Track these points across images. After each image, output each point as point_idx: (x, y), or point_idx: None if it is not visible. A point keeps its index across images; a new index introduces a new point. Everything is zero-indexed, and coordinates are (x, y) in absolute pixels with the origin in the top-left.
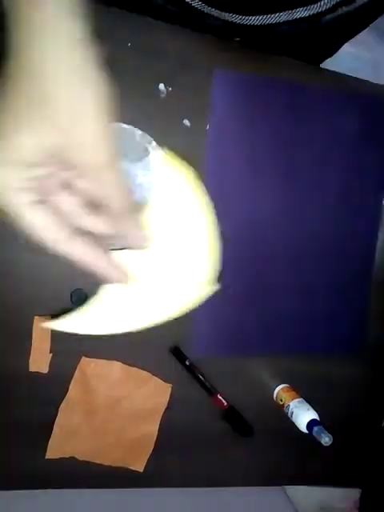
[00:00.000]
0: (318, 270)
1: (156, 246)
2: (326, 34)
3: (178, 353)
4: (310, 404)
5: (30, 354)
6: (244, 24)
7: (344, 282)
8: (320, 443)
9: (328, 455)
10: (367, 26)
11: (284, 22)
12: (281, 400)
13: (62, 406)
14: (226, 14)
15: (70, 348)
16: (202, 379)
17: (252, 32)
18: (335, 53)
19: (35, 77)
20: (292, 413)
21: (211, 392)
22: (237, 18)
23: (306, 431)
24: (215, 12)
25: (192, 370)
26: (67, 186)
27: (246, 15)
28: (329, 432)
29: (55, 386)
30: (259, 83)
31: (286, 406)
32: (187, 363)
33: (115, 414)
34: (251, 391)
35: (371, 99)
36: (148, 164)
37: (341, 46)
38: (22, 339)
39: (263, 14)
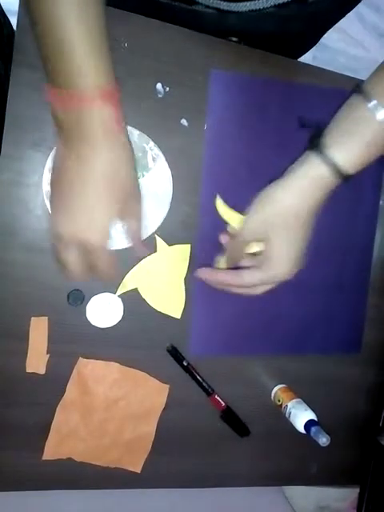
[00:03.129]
0: (316, 270)
1: None
2: (312, 19)
3: (175, 353)
4: (308, 404)
5: (27, 355)
6: (233, 11)
7: (342, 281)
8: (318, 443)
9: (326, 455)
10: (350, 9)
11: (272, 6)
12: (278, 400)
13: (59, 406)
14: (213, 1)
15: (68, 349)
16: (200, 379)
17: (242, 23)
18: (318, 41)
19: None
20: (290, 413)
21: (209, 392)
22: (224, 5)
23: (304, 431)
24: None
25: (189, 370)
26: None
27: (234, 1)
28: (326, 432)
29: (52, 386)
30: (257, 83)
31: (283, 406)
32: (185, 363)
33: (113, 414)
34: (249, 391)
35: None
36: (146, 164)
37: (325, 33)
38: (19, 340)
39: (250, 0)
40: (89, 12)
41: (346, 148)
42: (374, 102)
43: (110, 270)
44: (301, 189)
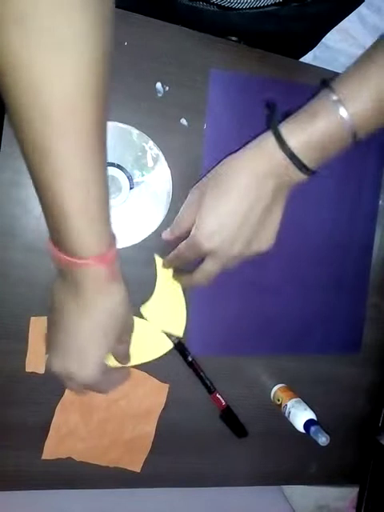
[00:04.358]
0: (316, 270)
1: None
2: (313, 19)
3: (181, 347)
4: (307, 404)
5: (26, 354)
6: (234, 7)
7: (341, 281)
8: (317, 443)
9: (325, 455)
10: (351, 11)
11: (272, 4)
12: (278, 400)
13: (59, 406)
14: None
15: None
16: (203, 376)
17: (243, 22)
18: (319, 42)
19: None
20: (289, 413)
21: (211, 390)
22: (225, 2)
23: (303, 431)
24: None
25: (194, 366)
26: None
27: None
28: (326, 432)
29: (52, 386)
30: (256, 83)
31: (283, 405)
32: (189, 359)
33: (112, 414)
34: (248, 391)
35: None
36: (145, 164)
37: (326, 34)
38: (19, 340)
39: None
40: (89, 181)
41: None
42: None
43: (105, 391)
44: (243, 155)
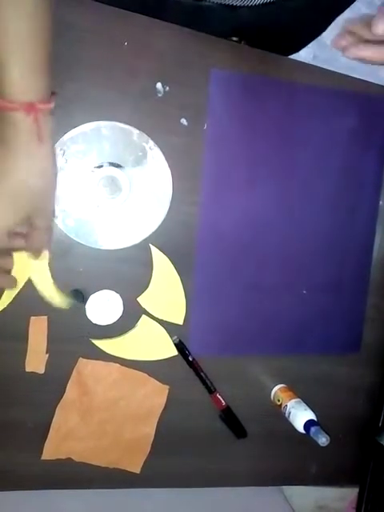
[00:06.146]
0: (316, 270)
1: None
2: (324, 7)
3: (182, 347)
4: (308, 404)
5: (26, 354)
6: (240, 5)
7: (341, 281)
8: (317, 443)
9: (325, 455)
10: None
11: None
12: (278, 400)
13: (59, 406)
14: None
15: (67, 348)
16: (204, 376)
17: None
18: (323, 31)
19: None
20: (289, 413)
21: (211, 390)
22: (237, 1)
23: (304, 431)
24: None
25: (194, 366)
26: None
27: None
28: (326, 432)
29: (52, 386)
30: (256, 83)
31: (283, 406)
32: (190, 359)
33: (112, 415)
34: (249, 391)
35: (368, 98)
36: (145, 163)
37: (330, 23)
38: (19, 339)
39: None
40: (30, 27)
41: None
42: None
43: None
44: None
